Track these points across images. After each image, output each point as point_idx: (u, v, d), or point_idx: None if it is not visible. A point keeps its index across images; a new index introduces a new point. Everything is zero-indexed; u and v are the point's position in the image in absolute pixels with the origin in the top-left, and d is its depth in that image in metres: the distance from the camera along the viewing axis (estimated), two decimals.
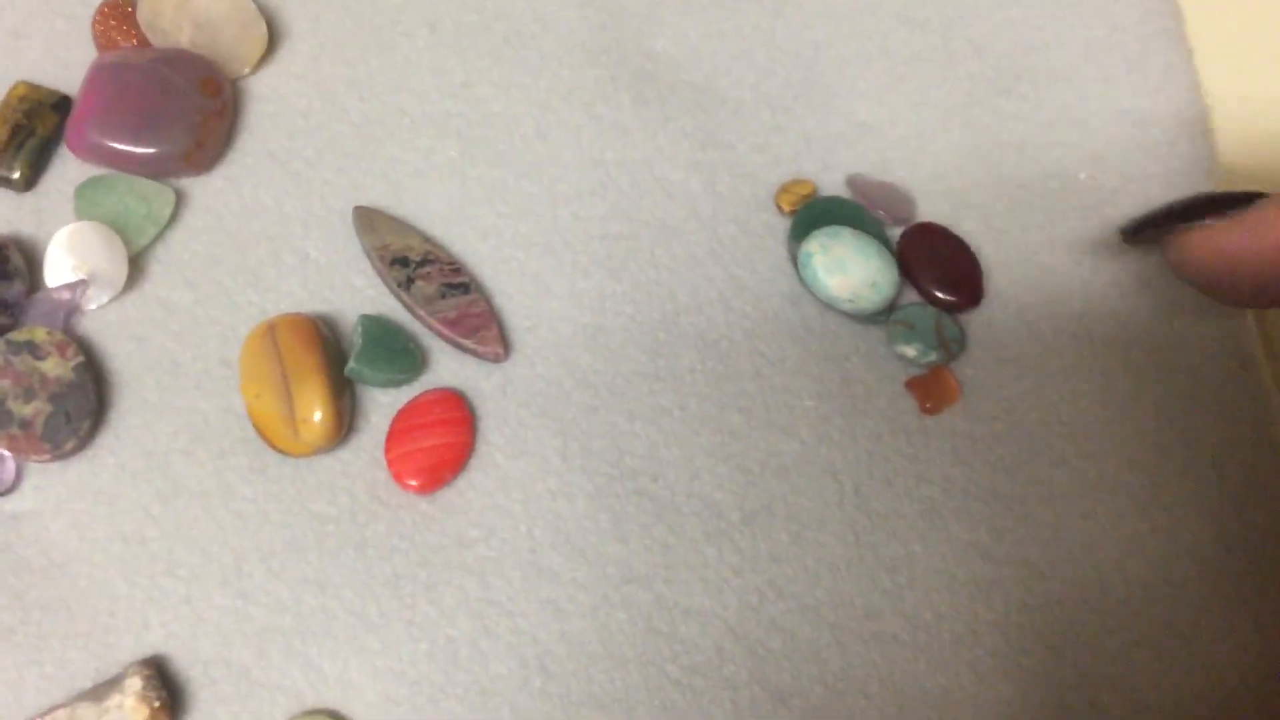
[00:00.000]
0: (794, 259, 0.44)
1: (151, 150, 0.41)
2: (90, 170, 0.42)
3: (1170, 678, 0.40)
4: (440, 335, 0.40)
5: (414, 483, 0.38)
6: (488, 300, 0.41)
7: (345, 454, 0.39)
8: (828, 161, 0.46)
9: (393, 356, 0.39)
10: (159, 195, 0.41)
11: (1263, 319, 0.46)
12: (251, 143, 0.43)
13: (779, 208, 0.44)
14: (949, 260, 0.44)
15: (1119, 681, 0.40)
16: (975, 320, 0.44)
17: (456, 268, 0.41)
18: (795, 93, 0.47)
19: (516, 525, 0.39)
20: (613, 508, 0.39)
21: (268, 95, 0.44)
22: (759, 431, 0.41)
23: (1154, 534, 0.42)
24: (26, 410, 0.37)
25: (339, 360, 0.39)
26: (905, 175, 0.46)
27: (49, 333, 0.38)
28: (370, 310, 0.41)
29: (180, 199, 0.42)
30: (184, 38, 0.43)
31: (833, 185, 0.45)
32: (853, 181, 0.45)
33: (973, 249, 0.44)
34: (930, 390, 0.42)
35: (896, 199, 0.45)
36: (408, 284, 0.41)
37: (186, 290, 0.41)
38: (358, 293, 0.41)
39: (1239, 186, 0.47)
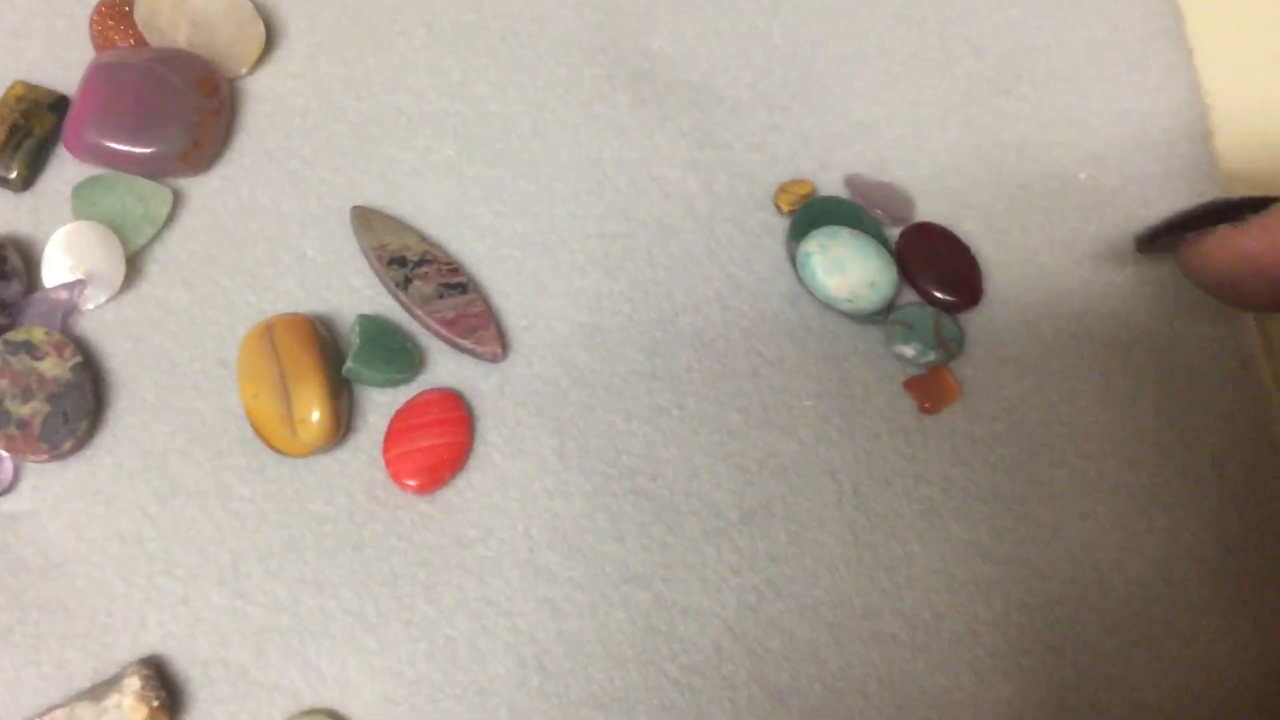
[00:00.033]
0: (792, 259, 0.44)
1: (149, 150, 0.41)
2: (88, 170, 0.42)
3: (1170, 678, 0.40)
4: (438, 335, 0.40)
5: (412, 483, 0.38)
6: (485, 300, 0.41)
7: (343, 454, 0.39)
8: (825, 161, 0.46)
9: (390, 356, 0.39)
10: (156, 195, 0.41)
11: (1263, 319, 0.46)
12: (249, 142, 0.43)
13: (777, 207, 0.44)
14: (948, 260, 0.44)
15: (1119, 681, 0.40)
16: (974, 320, 0.44)
17: (454, 267, 0.41)
18: (793, 92, 0.47)
19: (514, 525, 0.39)
20: (610, 507, 0.39)
21: (265, 95, 0.44)
22: (757, 431, 0.41)
23: (1154, 534, 0.41)
24: (24, 410, 0.37)
25: (337, 360, 0.39)
26: (904, 175, 0.46)
27: (47, 333, 0.38)
28: (368, 310, 0.41)
29: (178, 199, 0.42)
30: (181, 37, 0.43)
31: (831, 185, 0.45)
32: (851, 181, 0.45)
33: (972, 249, 0.44)
34: (929, 390, 0.42)
35: (895, 199, 0.45)
36: (405, 284, 0.40)
37: (184, 290, 0.41)
38: (355, 292, 0.41)
39: (1239, 186, 0.47)
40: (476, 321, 0.40)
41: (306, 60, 0.45)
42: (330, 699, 0.36)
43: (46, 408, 0.37)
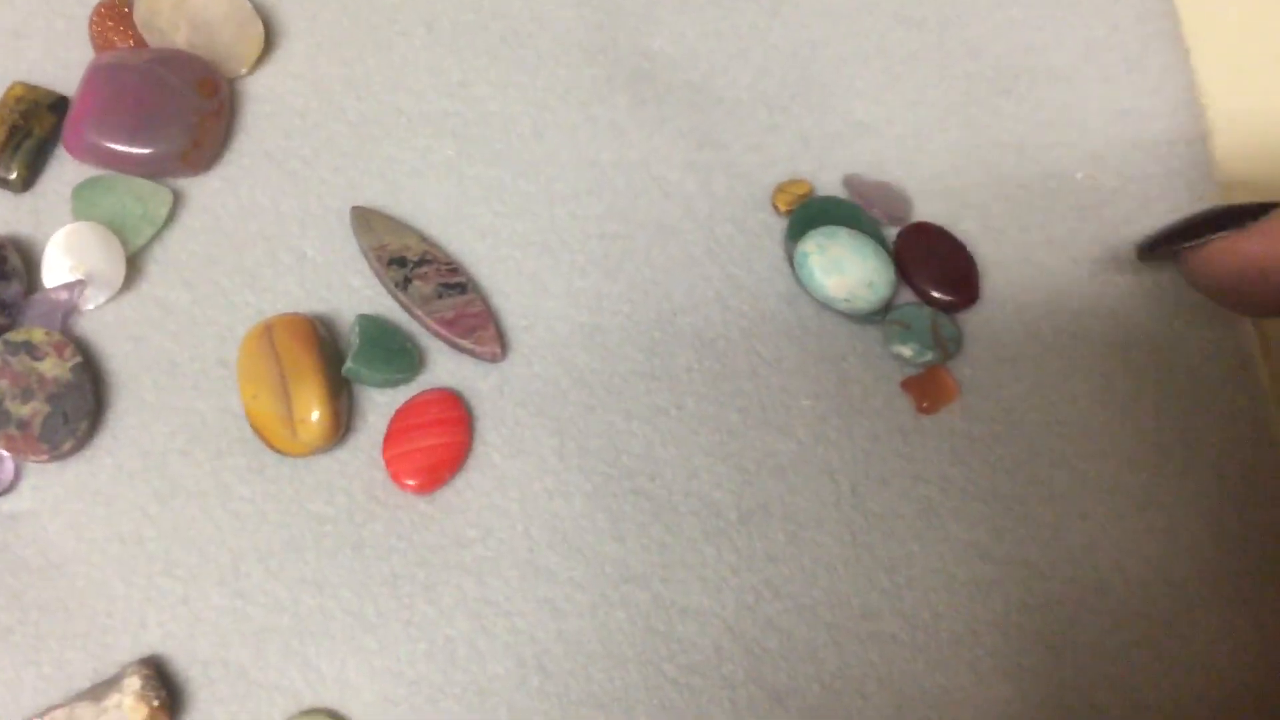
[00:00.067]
0: (790, 259, 0.44)
1: (148, 150, 0.41)
2: (87, 171, 0.42)
3: (1169, 678, 0.40)
4: (437, 335, 0.40)
5: (412, 482, 0.38)
6: (485, 300, 0.41)
7: (343, 454, 0.39)
8: (824, 161, 0.46)
9: (390, 356, 0.39)
10: (156, 195, 0.41)
11: (1262, 321, 0.46)
12: (248, 143, 0.43)
13: (776, 208, 0.45)
14: (946, 260, 0.44)
15: (1118, 681, 0.40)
16: (972, 320, 0.44)
17: (454, 267, 0.41)
18: (792, 92, 0.47)
19: (514, 525, 0.39)
20: (610, 507, 0.39)
21: (265, 95, 0.44)
22: (756, 431, 0.41)
23: (1153, 534, 0.42)
24: (24, 411, 0.37)
25: (336, 360, 0.39)
26: (902, 175, 0.46)
27: (47, 333, 0.38)
28: (367, 310, 0.41)
29: (177, 199, 0.42)
30: (181, 38, 0.43)
31: (829, 185, 0.45)
32: (849, 181, 0.45)
33: (969, 249, 0.44)
34: (927, 390, 0.42)
35: (893, 199, 0.45)
36: (405, 284, 0.41)
37: (184, 290, 0.41)
38: (355, 292, 0.41)
39: (1236, 186, 0.47)
40: (476, 321, 0.40)
41: (306, 60, 0.45)
42: (330, 699, 0.36)
43: (46, 408, 0.37)
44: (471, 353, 0.40)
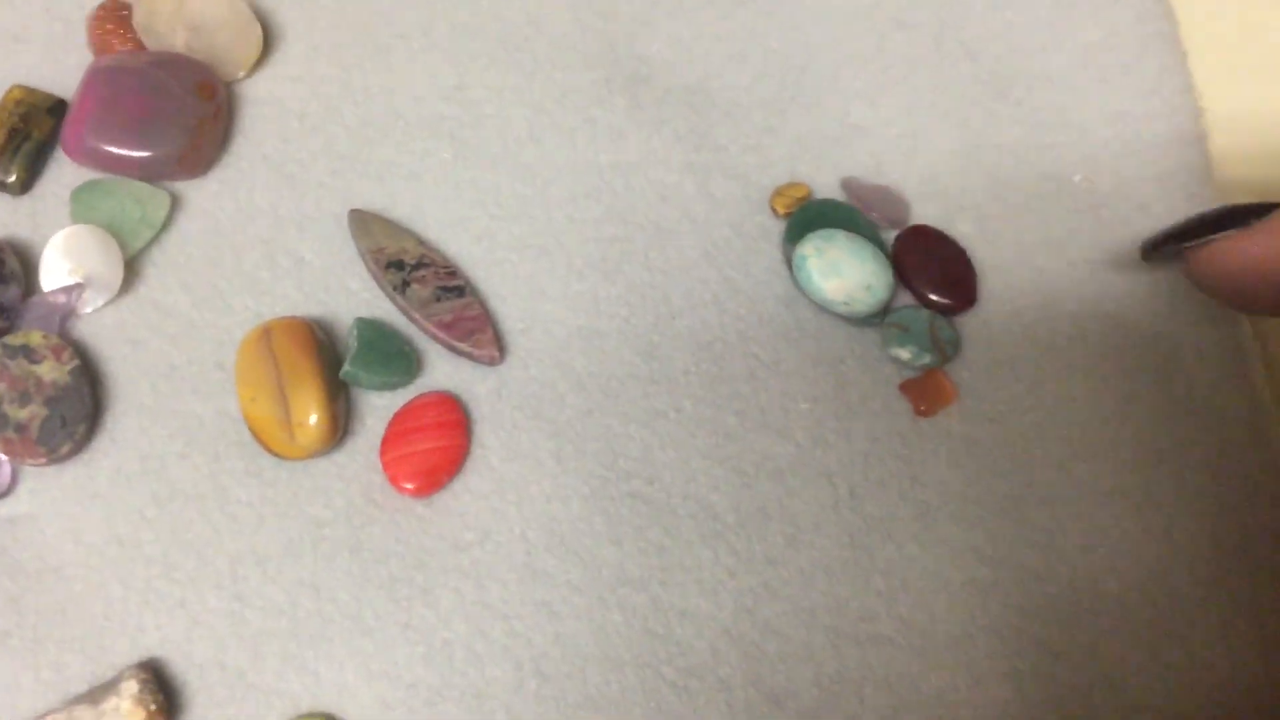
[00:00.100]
0: (788, 262, 0.44)
1: (147, 154, 0.41)
2: (86, 174, 0.42)
3: (1166, 681, 0.40)
4: (435, 338, 0.41)
5: (410, 486, 0.38)
6: (483, 303, 0.41)
7: (341, 457, 0.39)
8: (822, 164, 0.46)
9: (388, 360, 0.39)
10: (154, 198, 0.41)
11: (1258, 322, 0.46)
12: (246, 146, 0.43)
13: (774, 210, 0.45)
14: (944, 263, 0.44)
15: (1115, 684, 0.40)
16: (970, 323, 0.44)
17: (451, 271, 0.41)
18: (789, 95, 0.47)
19: (511, 528, 0.39)
20: (608, 510, 0.39)
21: (263, 98, 0.44)
22: (754, 434, 0.41)
23: (1150, 536, 0.42)
24: (22, 414, 0.37)
25: (334, 364, 0.39)
26: (899, 177, 0.46)
27: (45, 336, 0.38)
28: (365, 313, 0.41)
29: (175, 202, 0.42)
30: (179, 41, 0.43)
31: (827, 187, 0.45)
32: (847, 184, 0.45)
33: (967, 252, 0.45)
34: (925, 393, 0.42)
35: (891, 201, 0.45)
36: (403, 287, 0.41)
37: (182, 293, 0.41)
38: (353, 296, 0.41)
39: (1233, 189, 0.47)
40: (474, 325, 0.40)
41: (304, 64, 0.45)
42: (328, 702, 0.36)
43: (44, 411, 0.37)
44: (469, 356, 0.40)
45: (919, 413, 0.42)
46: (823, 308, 0.43)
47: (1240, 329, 0.45)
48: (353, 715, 0.36)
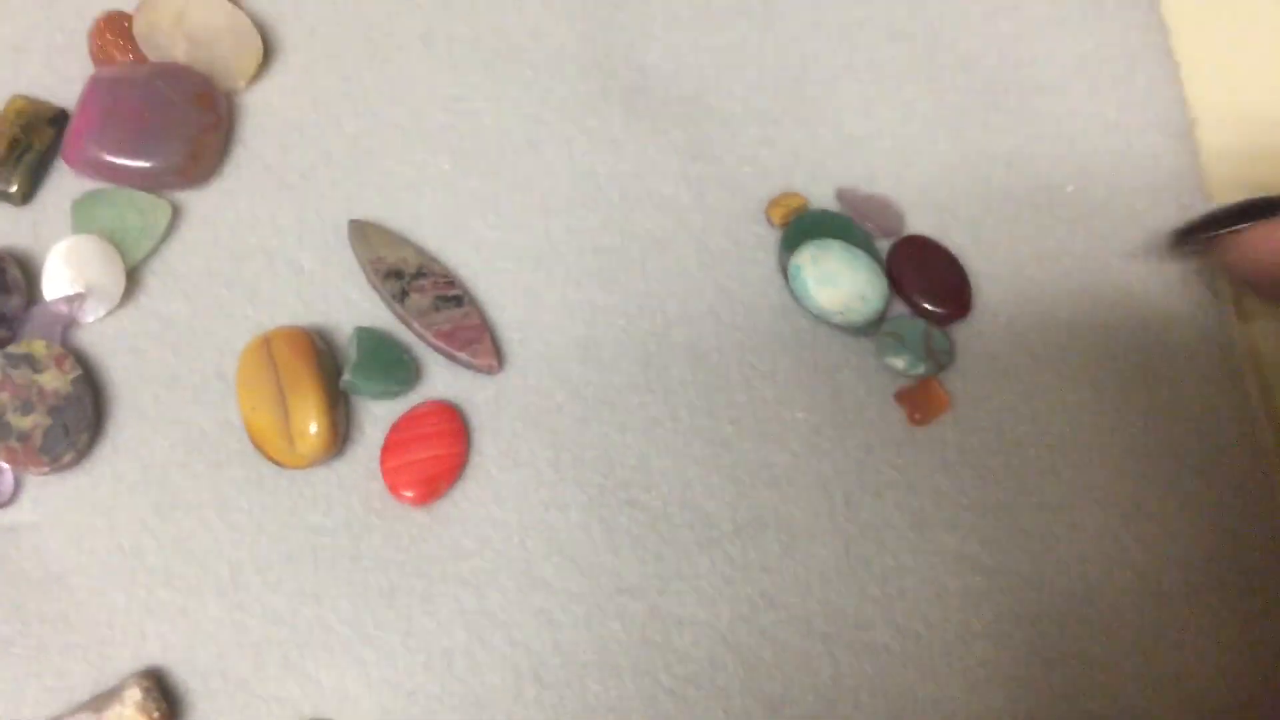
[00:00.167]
0: (784, 271, 0.44)
1: (147, 164, 0.41)
2: (87, 184, 0.42)
3: (1159, 686, 0.40)
4: (435, 348, 0.41)
5: (409, 494, 0.39)
6: (481, 313, 0.42)
7: (341, 466, 0.39)
8: (817, 174, 0.46)
9: (388, 369, 0.40)
10: (155, 208, 0.41)
11: (1250, 331, 0.46)
12: (247, 156, 0.44)
13: (769, 220, 0.45)
14: (937, 272, 0.44)
15: (1108, 690, 0.40)
16: (964, 332, 0.44)
17: (450, 280, 0.42)
18: (784, 106, 0.47)
19: (510, 536, 0.39)
20: (605, 518, 0.40)
21: (263, 109, 0.45)
22: (750, 442, 0.41)
23: (1142, 544, 0.42)
24: (25, 423, 0.37)
25: (334, 373, 0.39)
26: (894, 188, 0.46)
27: (47, 346, 0.38)
28: (365, 323, 0.41)
29: (176, 212, 0.42)
30: (179, 52, 0.43)
31: (822, 198, 0.46)
32: (842, 194, 0.46)
33: (961, 261, 0.45)
34: (919, 401, 0.42)
35: (885, 212, 0.45)
36: (402, 296, 0.41)
37: (183, 303, 0.41)
38: (352, 305, 0.42)
39: (1225, 199, 0.48)
40: (472, 334, 0.41)
41: (304, 75, 0.45)
42: (328, 710, 0.36)
43: (47, 420, 0.37)
44: (468, 365, 0.41)
45: (913, 421, 0.42)
46: (818, 317, 0.43)
47: (1231, 338, 0.46)
48: None
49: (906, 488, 0.41)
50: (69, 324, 0.40)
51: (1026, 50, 0.50)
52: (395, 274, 0.41)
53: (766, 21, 0.49)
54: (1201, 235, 0.43)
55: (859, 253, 0.43)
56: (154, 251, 0.41)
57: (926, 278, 0.44)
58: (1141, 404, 0.44)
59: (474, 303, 0.42)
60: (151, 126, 0.41)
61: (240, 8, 0.45)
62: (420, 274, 0.41)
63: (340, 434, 0.39)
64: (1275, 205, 0.40)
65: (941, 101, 0.48)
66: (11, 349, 0.38)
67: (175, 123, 0.41)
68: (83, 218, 0.41)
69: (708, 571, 0.39)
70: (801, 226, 0.44)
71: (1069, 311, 0.45)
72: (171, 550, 0.38)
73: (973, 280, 0.45)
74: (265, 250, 0.42)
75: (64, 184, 0.42)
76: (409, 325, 0.41)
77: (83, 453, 0.38)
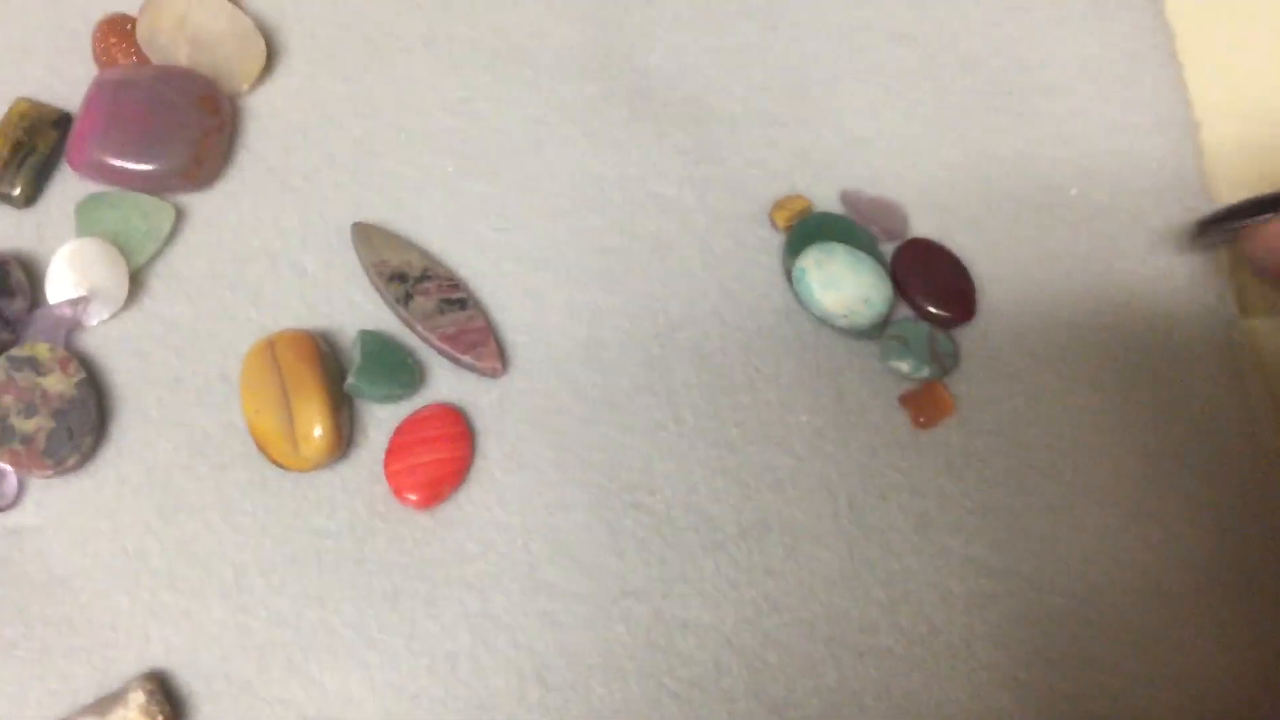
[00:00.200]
0: (788, 274, 0.44)
1: (151, 167, 0.41)
2: (91, 187, 0.42)
3: (1165, 689, 0.40)
4: (439, 350, 0.41)
5: (413, 497, 0.39)
6: (485, 315, 0.42)
7: (345, 469, 0.39)
8: (821, 176, 0.46)
9: (392, 372, 0.40)
10: (159, 211, 0.41)
11: (1253, 333, 0.46)
12: (250, 159, 0.44)
13: (774, 223, 0.45)
14: (942, 275, 0.44)
15: (1113, 692, 0.40)
16: (968, 335, 0.44)
17: (454, 283, 0.42)
18: (788, 108, 0.47)
19: (514, 539, 0.39)
20: (610, 521, 0.40)
21: (266, 111, 0.45)
22: (754, 445, 0.41)
23: (1147, 545, 0.42)
24: (28, 426, 0.37)
25: (338, 376, 0.39)
26: (898, 190, 0.46)
27: (51, 349, 0.38)
28: (369, 326, 0.41)
29: (180, 215, 0.42)
30: (182, 55, 0.43)
31: (826, 200, 0.46)
32: (846, 197, 0.46)
33: (965, 264, 0.45)
34: (924, 404, 0.42)
35: (890, 214, 0.45)
36: (406, 299, 0.41)
37: (187, 306, 0.41)
38: (356, 308, 0.42)
39: (1228, 201, 0.48)
40: (476, 337, 0.41)
41: (307, 77, 0.45)
42: (332, 713, 0.36)
43: (51, 423, 0.37)
44: (472, 368, 0.41)
45: (918, 424, 0.42)
46: (822, 320, 0.43)
47: (1236, 340, 0.46)
48: None
49: (911, 491, 0.41)
50: (73, 327, 0.40)
51: (1030, 52, 0.50)
52: (399, 277, 0.41)
53: (770, 23, 0.49)
54: (1224, 226, 0.43)
55: (863, 256, 0.43)
56: (158, 254, 0.41)
57: (931, 281, 0.44)
58: (1145, 406, 0.44)
59: (478, 306, 0.42)
60: (155, 129, 0.41)
61: (243, 11, 0.45)
62: (424, 277, 0.41)
63: (344, 437, 0.39)
64: None
65: (945, 103, 0.48)
66: (15, 352, 0.38)
67: (179, 126, 0.41)
68: (86, 220, 0.41)
69: (712, 574, 0.39)
70: (805, 230, 0.44)
71: (1072, 313, 0.45)
72: (175, 553, 0.38)
73: (977, 283, 0.45)
74: (269, 253, 0.42)
75: (68, 187, 0.42)
76: (413, 328, 0.41)
77: (86, 456, 0.38)
